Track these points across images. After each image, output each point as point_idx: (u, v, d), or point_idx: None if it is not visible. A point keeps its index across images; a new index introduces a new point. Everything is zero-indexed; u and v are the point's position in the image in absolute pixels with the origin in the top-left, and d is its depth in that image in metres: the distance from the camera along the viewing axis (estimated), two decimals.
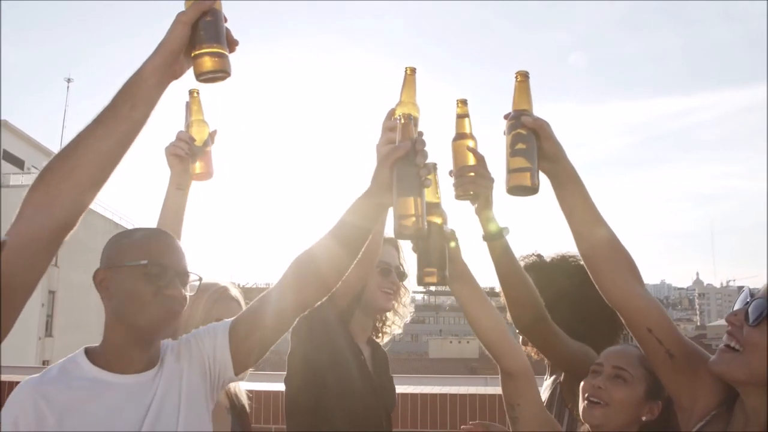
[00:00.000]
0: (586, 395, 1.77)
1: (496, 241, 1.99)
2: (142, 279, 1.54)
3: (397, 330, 2.59)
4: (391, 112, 1.91)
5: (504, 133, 1.66)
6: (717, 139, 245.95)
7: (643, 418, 1.74)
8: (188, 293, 1.66)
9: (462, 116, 1.95)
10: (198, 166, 2.09)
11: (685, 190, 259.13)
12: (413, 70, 1.86)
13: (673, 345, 1.52)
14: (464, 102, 1.96)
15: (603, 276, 1.59)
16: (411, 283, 2.45)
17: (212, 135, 2.13)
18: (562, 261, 2.44)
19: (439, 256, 1.66)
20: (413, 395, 4.09)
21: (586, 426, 1.80)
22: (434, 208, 1.67)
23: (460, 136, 1.95)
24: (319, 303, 2.19)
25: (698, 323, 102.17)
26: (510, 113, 1.67)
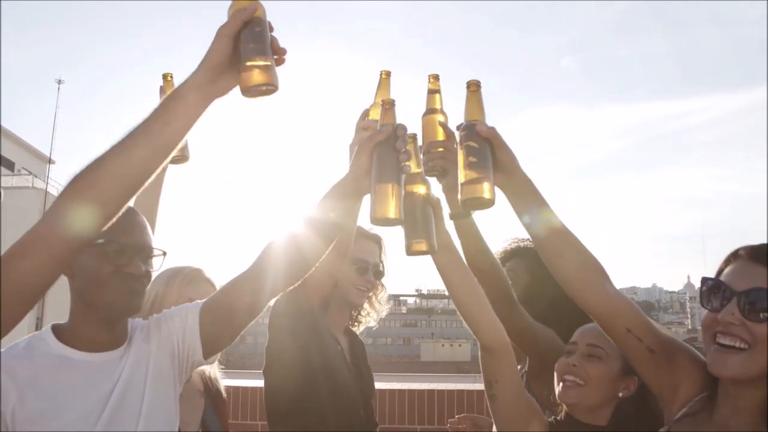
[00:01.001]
0: (562, 375, 1.78)
1: (462, 219, 1.98)
2: (101, 258, 1.52)
3: (372, 322, 2.60)
4: (365, 113, 1.92)
5: (456, 146, 1.58)
6: (710, 142, 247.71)
7: (620, 395, 1.75)
8: (153, 269, 1.64)
9: (433, 91, 1.92)
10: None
11: (678, 194, 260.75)
12: (388, 74, 1.87)
13: (652, 341, 1.52)
14: (436, 77, 1.92)
15: (575, 285, 1.57)
16: (392, 280, 2.48)
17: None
18: None
19: (426, 226, 1.62)
20: (401, 391, 4.10)
21: (563, 405, 1.82)
22: (417, 177, 1.63)
23: (430, 111, 1.91)
24: (294, 293, 2.23)
25: (689, 326, 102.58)
26: (462, 124, 1.59)
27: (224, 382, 2.36)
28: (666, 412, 1.52)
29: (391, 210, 1.45)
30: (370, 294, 2.48)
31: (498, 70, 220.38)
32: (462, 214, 1.99)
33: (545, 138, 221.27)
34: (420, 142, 1.87)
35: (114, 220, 1.30)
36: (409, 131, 1.61)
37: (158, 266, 1.68)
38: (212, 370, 2.26)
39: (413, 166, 1.63)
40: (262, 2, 1.36)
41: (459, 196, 1.56)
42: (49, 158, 34.22)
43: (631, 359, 1.57)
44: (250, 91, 1.31)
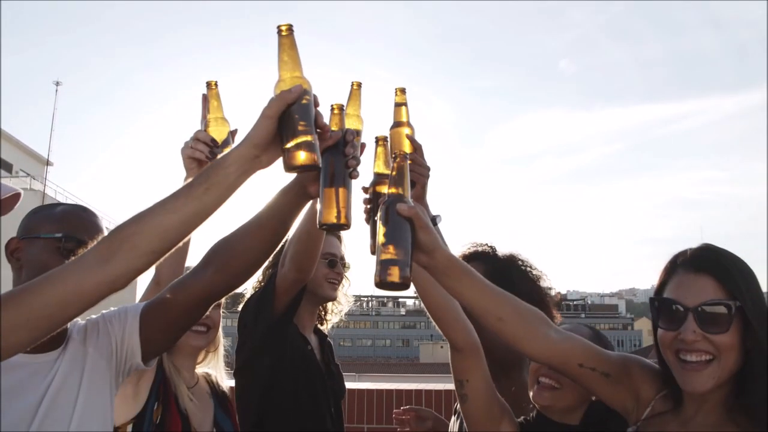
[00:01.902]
0: (537, 376, 1.80)
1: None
2: (55, 252, 1.51)
3: (336, 318, 2.66)
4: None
5: (377, 218, 1.50)
6: (707, 144, 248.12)
7: (593, 398, 1.78)
8: None
9: (400, 104, 1.97)
10: None
11: (676, 196, 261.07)
12: (359, 85, 1.88)
13: (604, 366, 1.56)
14: (402, 90, 1.97)
15: (518, 341, 1.57)
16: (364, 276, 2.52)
17: (233, 135, 1.92)
18: (513, 260, 2.54)
19: None
20: (398, 391, 4.14)
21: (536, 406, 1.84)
22: (385, 177, 1.62)
23: (397, 124, 1.97)
24: (261, 297, 2.23)
25: None
26: (384, 197, 1.50)
27: (229, 383, 2.38)
28: (633, 418, 1.56)
29: (336, 215, 1.45)
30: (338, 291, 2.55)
31: (496, 73, 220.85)
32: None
33: (542, 141, 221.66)
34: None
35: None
36: (381, 133, 1.63)
37: None
38: (217, 372, 2.28)
39: (381, 167, 1.65)
40: (306, 78, 1.39)
41: (374, 277, 1.45)
42: (47, 160, 34.16)
43: (590, 389, 1.61)
44: (292, 170, 1.36)
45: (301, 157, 1.34)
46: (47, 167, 33.49)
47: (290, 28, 1.41)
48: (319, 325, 2.62)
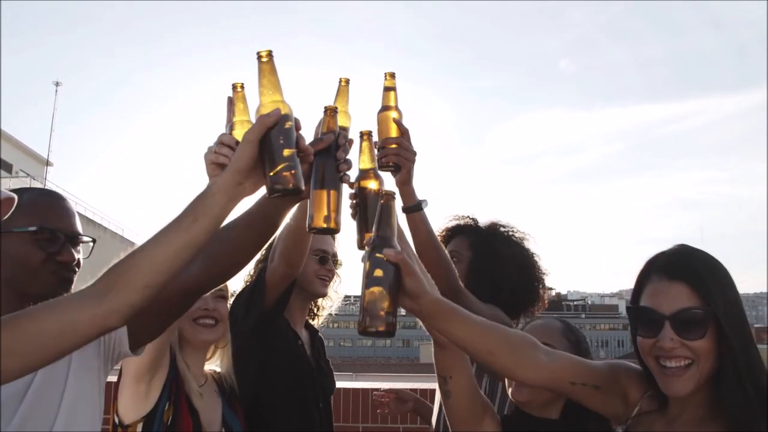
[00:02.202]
0: None
1: (415, 212, 2.10)
2: (32, 245, 1.50)
3: (326, 313, 2.68)
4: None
5: (362, 260, 1.45)
6: (705, 145, 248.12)
7: None
8: (82, 256, 1.63)
9: (389, 89, 1.99)
10: None
11: (676, 196, 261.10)
12: (347, 81, 1.87)
13: (594, 379, 1.59)
14: (392, 75, 1.99)
15: (511, 371, 1.59)
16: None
17: None
18: (494, 228, 2.60)
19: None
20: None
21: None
22: (371, 172, 1.63)
23: (385, 108, 2.00)
24: (251, 294, 2.22)
25: None
26: (371, 239, 1.44)
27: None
28: (623, 419, 1.59)
29: (325, 219, 1.45)
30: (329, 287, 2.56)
31: (495, 73, 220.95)
32: (413, 207, 2.11)
33: (542, 141, 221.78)
34: (375, 138, 1.97)
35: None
36: (365, 127, 1.63)
37: (86, 254, 1.66)
38: (226, 368, 2.27)
39: (367, 162, 1.64)
40: (287, 103, 1.39)
41: (358, 323, 1.39)
42: (47, 160, 34.22)
43: (582, 402, 1.63)
44: (275, 194, 1.35)
45: (283, 182, 1.33)
46: (47, 167, 33.55)
47: (270, 53, 1.40)
48: (310, 321, 2.63)
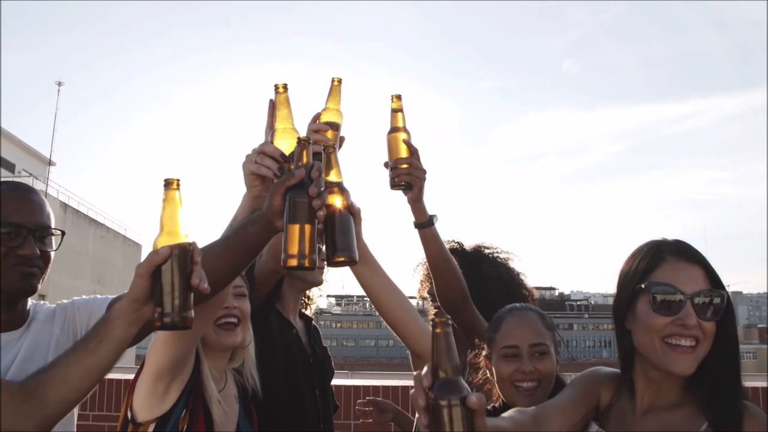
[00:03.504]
0: (514, 381, 1.87)
1: (426, 228, 2.21)
2: None
3: (323, 303, 2.71)
4: (316, 116, 1.95)
5: (425, 410, 1.20)
6: (708, 145, 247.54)
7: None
8: (52, 249, 1.63)
9: (396, 111, 2.09)
10: None
11: (679, 196, 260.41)
12: (339, 80, 1.91)
13: (577, 412, 1.60)
14: (398, 97, 2.10)
15: None
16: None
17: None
18: (479, 250, 2.71)
19: (347, 237, 1.60)
20: (394, 387, 4.15)
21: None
22: (337, 187, 1.61)
23: (394, 129, 2.11)
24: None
25: None
26: (437, 384, 1.19)
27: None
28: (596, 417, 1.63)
29: (299, 258, 1.45)
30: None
31: (498, 74, 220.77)
32: (425, 223, 2.21)
33: (545, 141, 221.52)
34: (388, 158, 2.10)
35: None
36: (327, 144, 1.61)
37: (56, 246, 1.65)
38: (251, 369, 2.19)
39: (332, 176, 1.62)
40: (185, 234, 1.38)
41: None
42: (50, 160, 34.26)
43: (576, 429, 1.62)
44: (162, 326, 1.36)
45: (167, 322, 1.35)
46: (49, 167, 33.59)
47: (178, 182, 1.39)
48: (303, 310, 2.64)
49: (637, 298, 1.53)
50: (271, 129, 1.74)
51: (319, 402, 2.41)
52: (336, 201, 1.59)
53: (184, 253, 1.37)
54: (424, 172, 2.14)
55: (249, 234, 1.52)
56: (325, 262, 1.70)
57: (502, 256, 2.71)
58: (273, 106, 1.70)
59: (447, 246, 2.63)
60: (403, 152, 2.11)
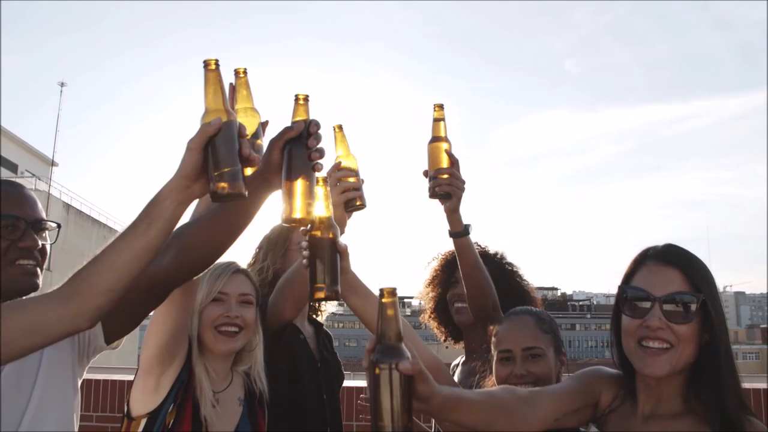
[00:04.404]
0: (510, 384, 1.84)
1: (462, 237, 2.24)
2: None
3: (332, 308, 2.69)
4: (336, 166, 1.96)
5: (366, 368, 1.33)
6: (710, 146, 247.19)
7: (561, 374, 1.90)
8: (48, 242, 1.64)
9: (438, 120, 2.09)
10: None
11: (681, 196, 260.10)
12: (340, 127, 1.94)
13: (572, 404, 1.61)
14: (441, 106, 2.09)
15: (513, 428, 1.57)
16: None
17: (264, 126, 1.80)
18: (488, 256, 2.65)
19: (330, 271, 1.59)
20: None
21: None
22: (325, 222, 1.60)
23: (435, 138, 2.11)
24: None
25: None
26: (375, 347, 1.30)
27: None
28: (594, 418, 1.63)
29: (298, 210, 1.45)
30: None
31: (500, 75, 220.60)
32: (460, 233, 2.24)
33: (547, 142, 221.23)
34: (427, 168, 2.11)
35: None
36: (321, 174, 1.54)
37: (53, 239, 1.67)
38: (259, 371, 2.19)
39: (322, 210, 1.60)
40: (230, 110, 1.39)
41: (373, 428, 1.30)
42: (52, 160, 34.29)
43: (563, 426, 1.62)
44: (218, 200, 1.37)
45: (225, 187, 1.35)
46: (52, 168, 33.62)
47: (217, 63, 1.41)
48: (314, 316, 2.64)
49: (621, 303, 1.56)
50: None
51: (327, 407, 2.40)
52: (326, 234, 1.60)
53: (233, 125, 1.38)
54: (464, 182, 2.17)
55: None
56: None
57: (515, 268, 2.71)
58: (233, 89, 1.79)
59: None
60: (445, 162, 2.12)
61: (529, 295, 2.65)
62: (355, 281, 1.74)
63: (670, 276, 1.49)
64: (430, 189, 2.13)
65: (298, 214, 1.44)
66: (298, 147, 1.45)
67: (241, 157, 1.37)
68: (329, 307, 2.68)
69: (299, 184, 1.44)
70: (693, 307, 1.47)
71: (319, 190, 1.57)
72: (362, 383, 4.28)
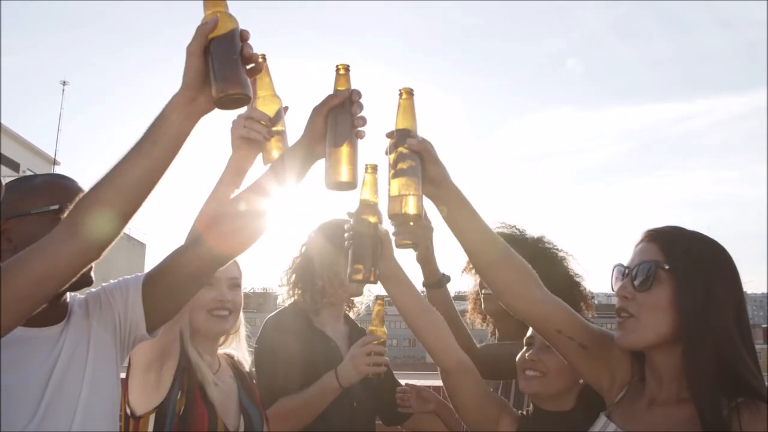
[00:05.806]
0: (523, 369, 1.87)
1: (436, 289, 2.14)
2: (52, 225, 1.45)
3: (364, 303, 2.65)
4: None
5: (386, 153, 1.58)
6: (714, 145, 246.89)
7: (581, 381, 1.82)
8: None
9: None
10: (276, 151, 1.76)
11: (683, 196, 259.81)
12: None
13: (583, 338, 1.59)
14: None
15: (503, 290, 1.64)
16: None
17: (284, 111, 1.81)
18: (540, 245, 2.54)
19: (370, 255, 1.66)
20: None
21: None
22: (370, 207, 1.68)
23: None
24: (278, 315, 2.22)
25: None
26: (393, 132, 1.57)
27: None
28: (607, 399, 1.60)
29: (345, 174, 1.46)
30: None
31: (503, 73, 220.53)
32: (434, 284, 2.15)
33: (550, 141, 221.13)
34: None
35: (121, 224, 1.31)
36: (372, 161, 1.66)
37: None
38: (240, 353, 2.28)
39: (369, 196, 1.68)
40: (230, 13, 1.36)
41: (387, 211, 1.56)
42: (54, 159, 34.33)
43: (566, 357, 1.64)
44: (220, 103, 1.32)
45: (229, 88, 1.29)
46: (54, 166, 33.65)
47: None
48: (347, 312, 2.59)
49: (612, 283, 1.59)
50: (253, 96, 1.77)
51: (353, 409, 2.35)
52: (370, 219, 1.66)
53: (234, 26, 1.35)
54: (431, 229, 2.05)
55: (292, 166, 1.49)
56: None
57: (560, 254, 2.55)
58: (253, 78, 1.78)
59: (509, 232, 2.53)
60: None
61: (568, 281, 2.46)
62: (398, 270, 1.77)
63: (647, 249, 1.50)
64: (394, 238, 1.82)
65: (345, 177, 1.46)
66: (342, 114, 1.47)
67: (243, 58, 1.33)
68: (364, 301, 2.61)
69: (345, 150, 1.46)
70: (654, 274, 1.44)
71: (368, 177, 1.69)
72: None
